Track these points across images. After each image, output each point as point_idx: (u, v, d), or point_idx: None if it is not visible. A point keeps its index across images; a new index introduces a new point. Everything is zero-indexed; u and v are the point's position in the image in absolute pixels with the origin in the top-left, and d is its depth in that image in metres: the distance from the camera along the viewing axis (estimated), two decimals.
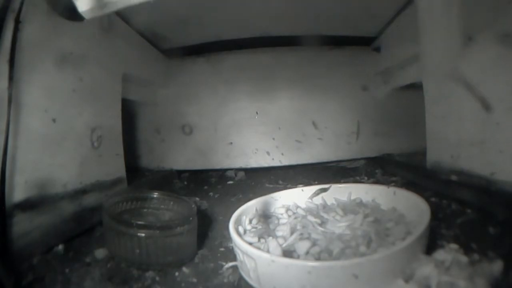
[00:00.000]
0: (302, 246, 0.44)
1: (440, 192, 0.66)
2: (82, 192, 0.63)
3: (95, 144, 0.70)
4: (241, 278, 0.44)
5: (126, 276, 0.46)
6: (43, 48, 0.54)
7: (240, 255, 0.42)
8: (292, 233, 0.48)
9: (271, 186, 0.94)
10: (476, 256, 0.38)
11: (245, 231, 0.51)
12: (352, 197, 0.60)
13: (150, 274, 0.46)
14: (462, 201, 0.59)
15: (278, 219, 0.56)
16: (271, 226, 0.54)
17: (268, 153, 1.14)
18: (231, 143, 1.16)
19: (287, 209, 0.58)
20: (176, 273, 0.47)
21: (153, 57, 1.07)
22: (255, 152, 1.15)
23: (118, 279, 0.45)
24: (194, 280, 0.45)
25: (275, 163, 1.14)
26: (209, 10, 0.87)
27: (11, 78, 0.46)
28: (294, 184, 0.88)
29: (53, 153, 0.57)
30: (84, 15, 0.53)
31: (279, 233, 0.49)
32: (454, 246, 0.39)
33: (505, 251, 0.39)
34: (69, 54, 0.61)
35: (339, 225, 0.50)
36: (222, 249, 0.54)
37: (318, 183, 0.66)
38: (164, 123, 1.17)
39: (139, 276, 0.46)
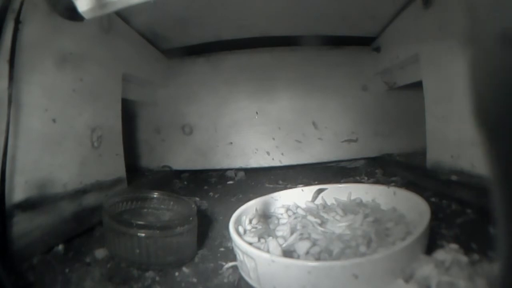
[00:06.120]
0: (302, 246, 0.44)
1: (440, 192, 0.66)
2: (82, 192, 0.63)
3: (95, 144, 0.70)
4: (241, 278, 0.44)
5: (126, 276, 0.46)
6: (43, 48, 0.54)
7: (240, 255, 0.42)
8: (292, 233, 0.48)
9: (271, 186, 0.94)
10: (476, 256, 0.38)
11: (245, 231, 0.51)
12: (352, 197, 0.60)
13: (150, 274, 0.46)
14: (462, 201, 0.59)
15: (278, 219, 0.56)
16: (271, 226, 0.54)
17: (268, 153, 1.14)
18: (231, 143, 1.16)
19: (287, 209, 0.58)
20: (176, 273, 0.47)
21: (153, 57, 1.07)
22: (255, 152, 1.15)
23: (118, 279, 0.45)
24: (194, 280, 0.45)
25: (275, 163, 1.14)
26: (209, 10, 0.87)
27: (11, 78, 0.46)
28: (294, 184, 0.88)
29: (53, 153, 0.57)
30: (84, 15, 0.53)
31: (279, 233, 0.49)
32: (454, 246, 0.39)
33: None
34: (69, 54, 0.61)
35: (339, 225, 0.50)
36: (222, 249, 0.54)
37: (318, 183, 0.66)
38: (164, 123, 1.17)
39: (139, 276, 0.46)
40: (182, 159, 1.16)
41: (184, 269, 0.48)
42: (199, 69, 1.15)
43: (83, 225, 0.61)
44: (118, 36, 0.80)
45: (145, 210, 0.60)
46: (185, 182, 1.07)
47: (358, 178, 0.93)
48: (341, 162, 1.14)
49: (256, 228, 0.52)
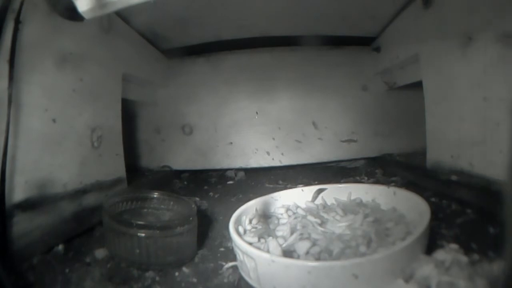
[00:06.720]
0: (302, 246, 0.44)
1: (440, 192, 0.66)
2: (82, 192, 0.63)
3: (95, 144, 0.70)
4: (241, 278, 0.44)
5: (126, 276, 0.46)
6: (43, 48, 0.54)
7: (240, 255, 0.42)
8: (292, 233, 0.48)
9: (271, 186, 0.94)
10: (476, 256, 0.38)
11: (245, 231, 0.51)
12: (352, 197, 0.60)
13: (150, 274, 0.46)
14: (462, 201, 0.59)
15: (278, 219, 0.56)
16: (271, 226, 0.54)
17: (268, 153, 1.14)
18: (231, 143, 1.16)
19: (287, 209, 0.58)
20: (176, 273, 0.47)
21: (153, 57, 1.07)
22: (255, 152, 1.15)
23: (118, 279, 0.45)
24: (194, 280, 0.45)
25: (275, 163, 1.14)
26: (209, 10, 0.87)
27: (11, 78, 0.46)
28: (294, 184, 0.88)
29: (53, 153, 0.57)
30: (84, 15, 0.53)
31: (279, 233, 0.49)
32: (454, 246, 0.39)
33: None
34: (69, 54, 0.61)
35: (339, 225, 0.50)
36: (222, 249, 0.54)
37: (318, 183, 0.66)
38: (164, 123, 1.17)
39: (139, 276, 0.46)
40: (182, 159, 1.16)
41: (184, 269, 0.48)
42: (199, 69, 1.15)
43: (83, 225, 0.61)
44: (118, 36, 0.80)
45: (145, 210, 0.60)
46: (185, 182, 1.07)
47: (358, 178, 0.93)
48: (341, 162, 1.14)
49: (256, 228, 0.52)
